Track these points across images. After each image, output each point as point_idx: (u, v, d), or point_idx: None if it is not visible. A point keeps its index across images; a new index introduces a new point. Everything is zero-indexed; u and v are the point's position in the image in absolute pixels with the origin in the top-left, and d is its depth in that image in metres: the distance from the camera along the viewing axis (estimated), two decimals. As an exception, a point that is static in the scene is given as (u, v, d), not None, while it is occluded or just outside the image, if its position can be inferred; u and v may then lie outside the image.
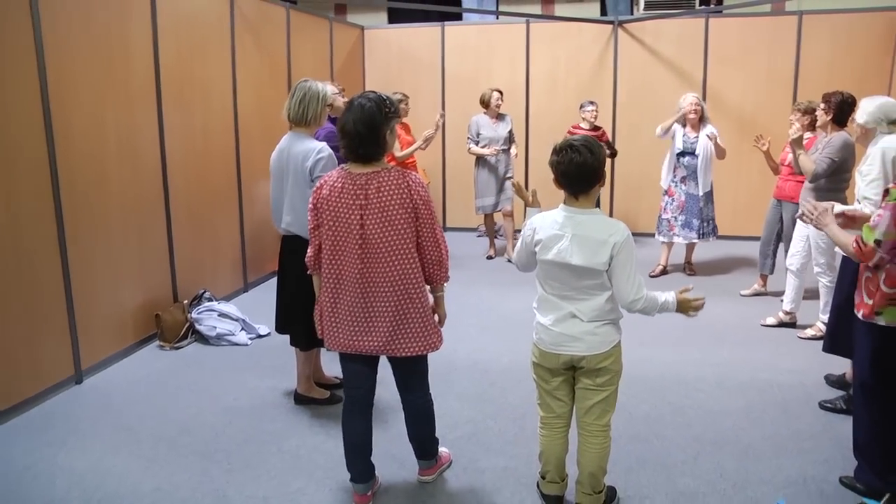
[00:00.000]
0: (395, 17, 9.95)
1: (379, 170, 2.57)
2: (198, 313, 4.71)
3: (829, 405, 3.60)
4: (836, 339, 3.60)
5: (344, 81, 6.10)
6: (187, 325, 4.64)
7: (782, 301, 4.96)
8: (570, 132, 6.70)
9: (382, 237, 2.55)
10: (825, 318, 4.41)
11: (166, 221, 4.78)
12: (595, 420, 2.62)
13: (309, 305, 3.39)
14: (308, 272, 2.81)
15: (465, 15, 9.71)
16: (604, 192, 7.45)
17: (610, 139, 7.11)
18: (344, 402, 2.82)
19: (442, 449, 3.08)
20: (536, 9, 9.53)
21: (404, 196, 2.55)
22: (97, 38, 4.10)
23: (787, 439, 3.32)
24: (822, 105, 4.41)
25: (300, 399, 3.75)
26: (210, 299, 4.97)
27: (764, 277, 5.53)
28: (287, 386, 3.94)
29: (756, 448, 3.24)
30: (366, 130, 2.52)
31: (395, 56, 8.19)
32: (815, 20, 7.06)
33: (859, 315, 2.79)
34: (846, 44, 7.00)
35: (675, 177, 5.96)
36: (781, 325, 4.82)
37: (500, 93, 6.58)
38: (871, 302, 2.72)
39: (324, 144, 3.40)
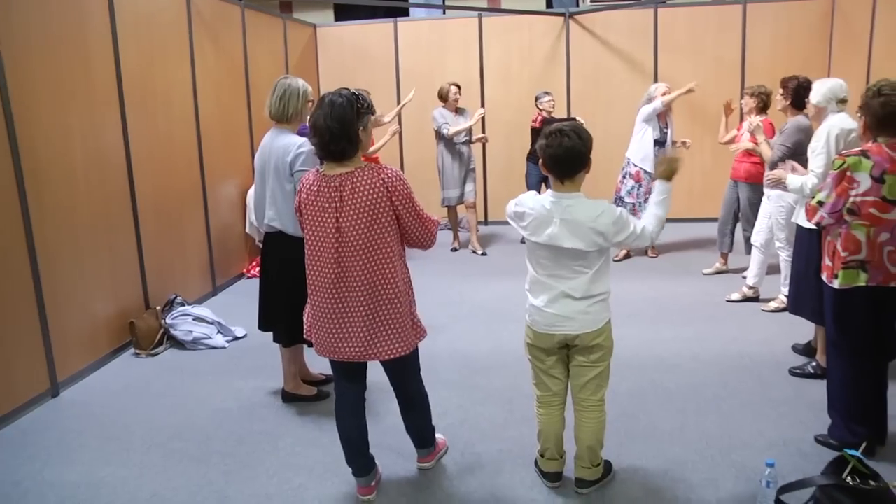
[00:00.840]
0: (342, 14, 9.89)
1: (353, 170, 2.50)
2: (172, 318, 4.64)
3: (798, 371, 3.81)
4: (798, 301, 3.92)
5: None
6: (161, 331, 4.56)
7: (744, 277, 5.18)
8: (538, 122, 6.73)
9: (358, 239, 2.49)
10: (786, 290, 4.63)
11: (135, 228, 4.69)
12: (590, 395, 2.72)
13: (291, 301, 3.38)
14: None
15: (412, 10, 9.72)
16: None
17: None
18: (335, 401, 2.80)
19: (438, 436, 3.12)
20: (483, 2, 9.62)
21: (381, 195, 2.49)
22: (56, 46, 3.97)
23: (764, 405, 3.49)
24: (780, 90, 4.61)
25: (288, 397, 3.74)
26: (182, 304, 4.89)
27: (724, 256, 5.74)
28: (271, 386, 3.92)
29: (736, 415, 3.39)
30: (337, 126, 2.46)
31: (349, 53, 8.16)
32: (757, 9, 7.35)
33: (823, 277, 3.03)
34: (787, 31, 7.32)
35: None
36: (746, 299, 5.02)
37: (458, 87, 6.64)
38: (831, 264, 2.98)
39: (305, 140, 3.40)
